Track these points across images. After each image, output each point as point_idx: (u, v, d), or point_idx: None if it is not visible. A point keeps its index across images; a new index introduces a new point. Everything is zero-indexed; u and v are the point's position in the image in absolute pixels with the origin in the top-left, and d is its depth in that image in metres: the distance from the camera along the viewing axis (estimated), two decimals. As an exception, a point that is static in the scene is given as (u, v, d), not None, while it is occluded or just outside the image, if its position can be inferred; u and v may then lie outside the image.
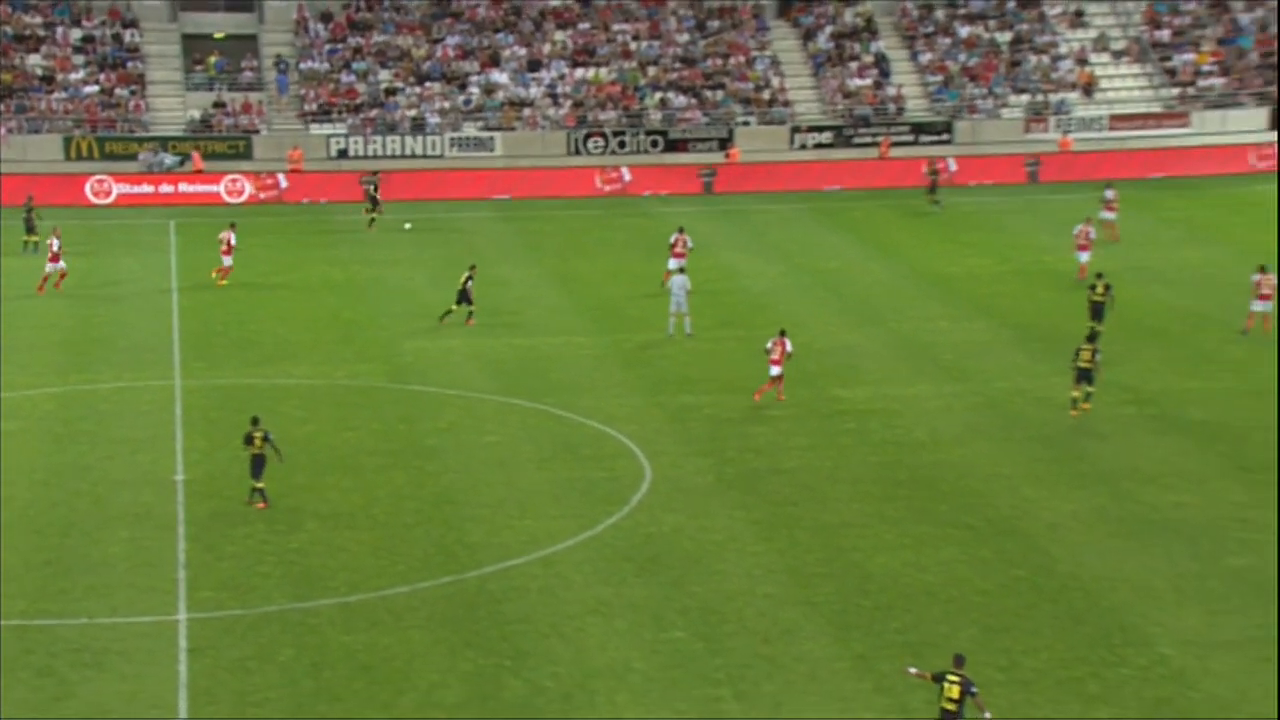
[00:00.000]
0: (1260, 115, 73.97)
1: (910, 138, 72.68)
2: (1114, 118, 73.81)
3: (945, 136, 72.96)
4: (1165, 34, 77.99)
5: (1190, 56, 76.55)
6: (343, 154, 70.29)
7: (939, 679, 22.78)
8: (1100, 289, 44.59)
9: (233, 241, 51.99)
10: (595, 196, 67.87)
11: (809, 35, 77.79)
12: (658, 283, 51.14)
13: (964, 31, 77.75)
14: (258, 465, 32.59)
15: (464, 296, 46.70)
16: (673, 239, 51.20)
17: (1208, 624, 27.27)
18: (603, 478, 34.58)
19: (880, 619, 27.71)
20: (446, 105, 72.39)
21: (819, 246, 57.42)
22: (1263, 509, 32.13)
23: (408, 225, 59.14)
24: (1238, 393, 39.53)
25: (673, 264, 49.26)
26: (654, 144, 71.81)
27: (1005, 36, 77.64)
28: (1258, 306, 44.56)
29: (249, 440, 32.65)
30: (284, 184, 67.07)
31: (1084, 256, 50.80)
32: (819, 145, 72.41)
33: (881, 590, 28.85)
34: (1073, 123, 73.43)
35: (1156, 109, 74.72)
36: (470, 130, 71.76)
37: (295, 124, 71.87)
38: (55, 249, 50.22)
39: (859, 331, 45.90)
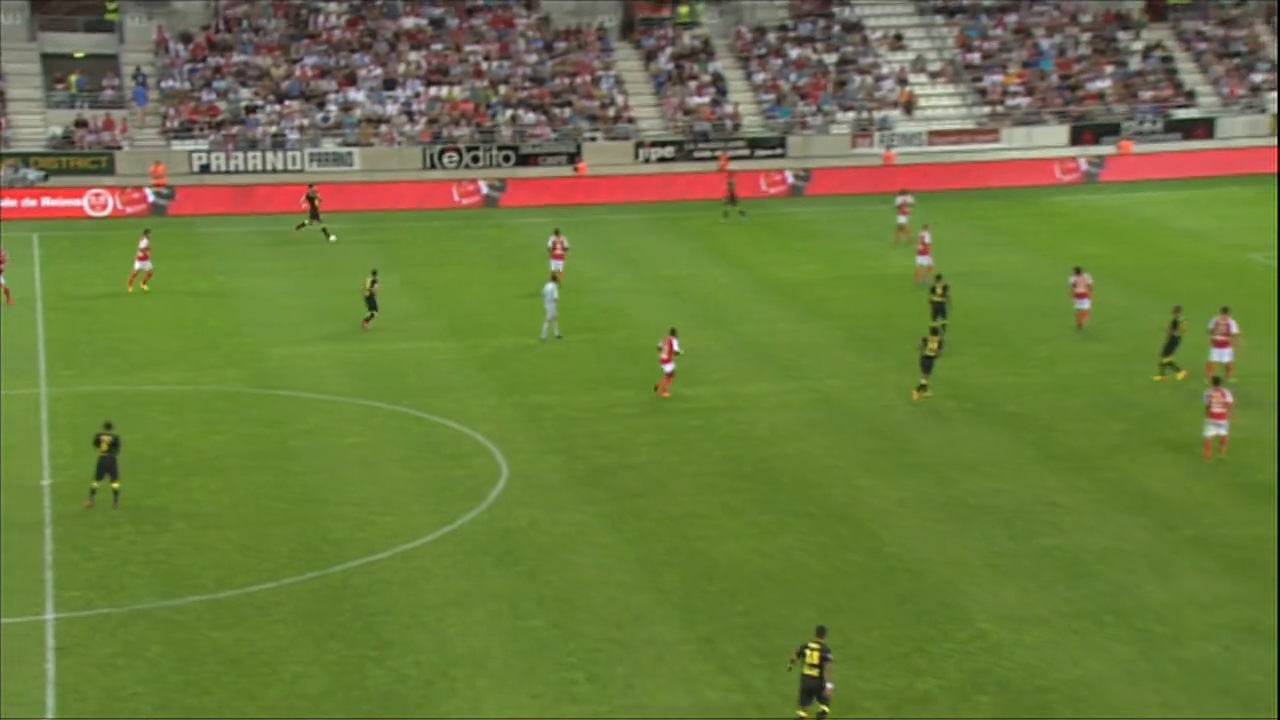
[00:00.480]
0: (1061, 131, 75.81)
1: (746, 152, 73.36)
2: (932, 133, 75.19)
3: (779, 151, 73.75)
4: (976, 57, 79.65)
5: (999, 78, 78.25)
6: (205, 169, 69.13)
7: (801, 652, 23.25)
8: (939, 290, 45.34)
9: (145, 246, 51.36)
10: (451, 209, 67.48)
11: (650, 56, 78.15)
12: (511, 290, 51.14)
13: (794, 53, 78.67)
14: (103, 466, 31.76)
15: (371, 302, 46.31)
16: (550, 242, 51.53)
17: (1021, 600, 27.87)
18: (461, 475, 34.39)
19: (725, 603, 27.90)
20: (305, 122, 71.46)
21: (663, 254, 57.70)
22: (1070, 493, 32.91)
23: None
24: (1046, 387, 40.45)
25: (554, 265, 49.84)
26: (506, 159, 71.62)
27: (832, 58, 78.70)
28: (1078, 304, 45.59)
29: (97, 441, 31.90)
30: (151, 197, 65.73)
31: (922, 260, 51.58)
32: (662, 159, 72.77)
33: (726, 576, 29.06)
34: (895, 138, 74.66)
35: (970, 125, 76.27)
36: (329, 146, 70.93)
37: (158, 140, 70.43)
38: None
39: (703, 334, 46.17)
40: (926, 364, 39.01)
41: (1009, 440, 36.38)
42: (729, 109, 75.28)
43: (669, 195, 69.55)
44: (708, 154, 72.80)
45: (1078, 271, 46.27)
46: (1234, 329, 39.64)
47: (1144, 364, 41.83)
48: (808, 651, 23.25)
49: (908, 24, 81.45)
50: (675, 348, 39.45)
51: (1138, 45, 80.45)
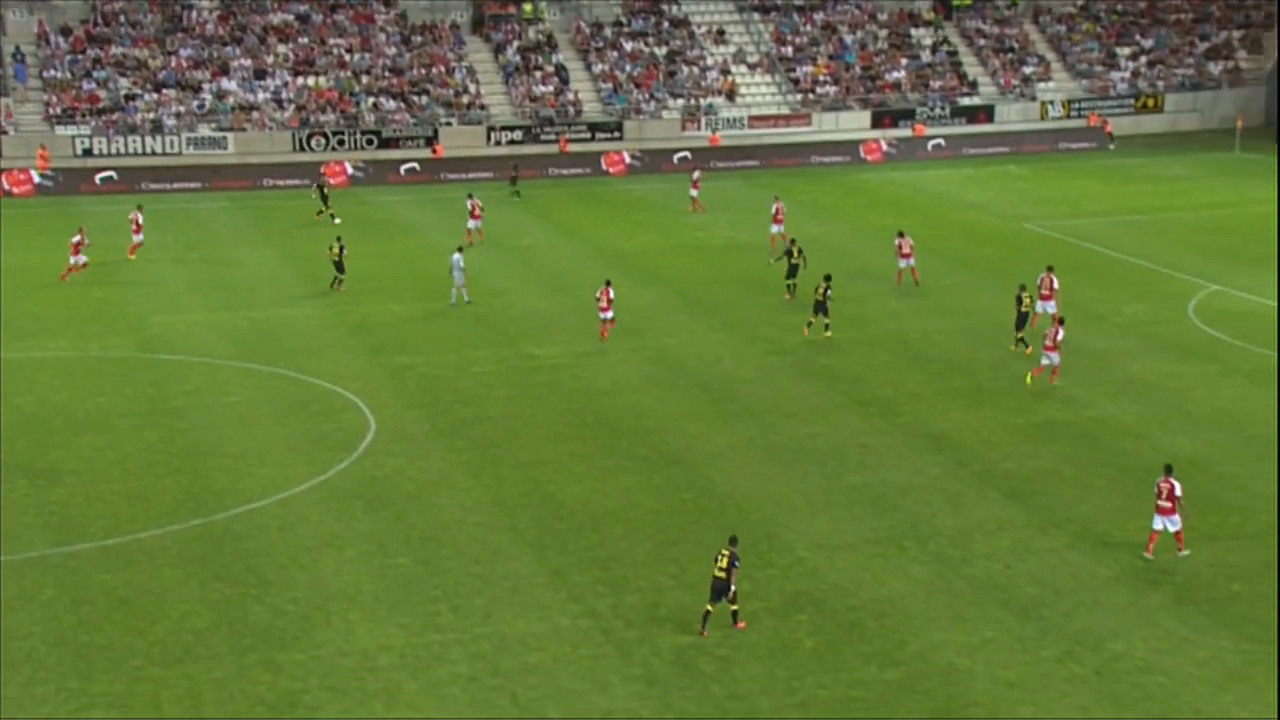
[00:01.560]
0: (864, 116, 76.79)
1: (588, 135, 73.12)
2: (752, 118, 75.65)
3: (617, 134, 73.62)
4: (789, 50, 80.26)
5: (809, 69, 78.97)
6: (87, 153, 66.80)
7: (717, 556, 24.09)
8: (796, 252, 45.42)
9: (139, 220, 50.91)
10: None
11: (499, 49, 77.34)
12: (377, 262, 50.37)
13: (629, 46, 78.48)
14: None
15: (339, 266, 45.98)
16: (469, 204, 52.11)
17: (834, 529, 28.31)
18: (333, 429, 33.81)
19: (572, 539, 27.88)
20: (182, 109, 69.40)
21: (515, 227, 57.22)
22: (876, 435, 33.45)
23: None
24: (855, 342, 41.02)
25: (471, 224, 51.32)
26: (369, 142, 70.43)
27: (662, 50, 78.67)
28: (902, 264, 46.34)
29: None
30: (37, 179, 63.37)
31: (775, 229, 51.70)
32: (511, 142, 72.19)
33: (573, 515, 29.03)
34: (720, 122, 74.96)
35: (785, 111, 76.88)
36: (205, 131, 68.99)
37: (41, 125, 67.81)
38: None
39: (549, 299, 45.98)
40: (820, 307, 40.65)
41: (823, 390, 36.85)
42: (571, 96, 74.90)
43: (521, 175, 69.03)
44: (552, 137, 72.48)
45: (901, 234, 47.03)
46: (1056, 284, 40.68)
47: (938, 321, 42.68)
48: (719, 557, 24.03)
49: (729, 20, 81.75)
50: (611, 295, 40.29)
51: (928, 41, 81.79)
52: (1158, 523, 26.73)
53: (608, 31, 79.28)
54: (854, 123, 76.58)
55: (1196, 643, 23.56)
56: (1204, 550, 26.94)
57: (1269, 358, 38.11)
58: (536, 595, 25.55)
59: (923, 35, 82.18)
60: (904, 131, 76.03)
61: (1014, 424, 34.01)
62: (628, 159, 70.91)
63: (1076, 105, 78.54)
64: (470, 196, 52.58)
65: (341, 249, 46.29)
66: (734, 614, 24.26)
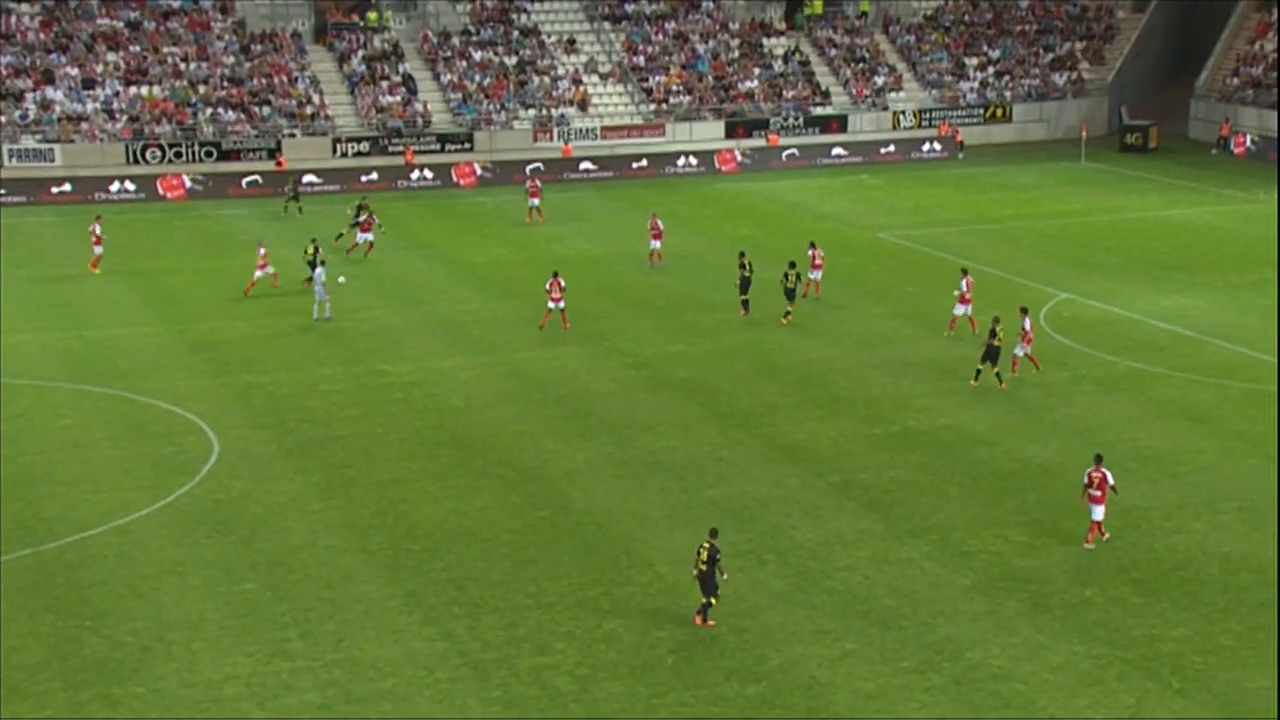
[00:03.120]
0: (718, 127, 77.63)
1: (438, 146, 72.69)
2: (605, 128, 75.94)
3: (467, 145, 73.29)
4: (641, 59, 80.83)
5: (662, 78, 79.61)
6: (-96, 164, 64.43)
7: (699, 550, 24.95)
8: (747, 265, 45.30)
9: (98, 232, 50.29)
10: (158, 202, 64.67)
11: (344, 58, 76.49)
12: (218, 278, 49.42)
13: (478, 56, 78.23)
14: None
15: (313, 265, 46.26)
16: (362, 218, 52.21)
17: (693, 544, 28.34)
18: (173, 452, 33.06)
19: (427, 560, 27.67)
20: (3, 120, 67.24)
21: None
22: (733, 448, 33.79)
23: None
24: (712, 354, 41.42)
25: (361, 238, 52.33)
26: (208, 154, 69.02)
27: (512, 60, 78.60)
28: (813, 275, 47.04)
29: None
30: None
31: (655, 244, 52.03)
32: (358, 153, 71.41)
33: (428, 535, 28.81)
34: (572, 133, 75.13)
35: (639, 121, 77.36)
36: (29, 143, 66.92)
37: None
38: None
39: (400, 314, 45.57)
40: (790, 294, 43.38)
41: (680, 402, 37.11)
42: (419, 107, 74.37)
43: (365, 187, 68.43)
44: (401, 149, 71.89)
45: (813, 245, 47.83)
46: (972, 284, 42.31)
47: (793, 331, 43.32)
48: (700, 551, 24.88)
49: (579, 30, 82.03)
50: (562, 285, 42.36)
51: (780, 50, 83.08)
52: (1096, 513, 27.95)
53: (456, 41, 78.97)
54: (708, 133, 77.37)
55: (1051, 649, 24.25)
56: (1057, 556, 27.76)
57: (1117, 365, 39.43)
58: (390, 619, 25.28)
59: (775, 45, 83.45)
60: (758, 141, 77.06)
61: (870, 434, 34.65)
62: (479, 170, 70.67)
63: (928, 115, 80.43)
64: (364, 197, 51.68)
65: (316, 249, 46.92)
66: (706, 609, 24.89)
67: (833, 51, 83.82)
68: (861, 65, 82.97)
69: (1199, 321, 43.83)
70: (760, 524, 29.39)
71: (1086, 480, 28.30)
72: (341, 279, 46.56)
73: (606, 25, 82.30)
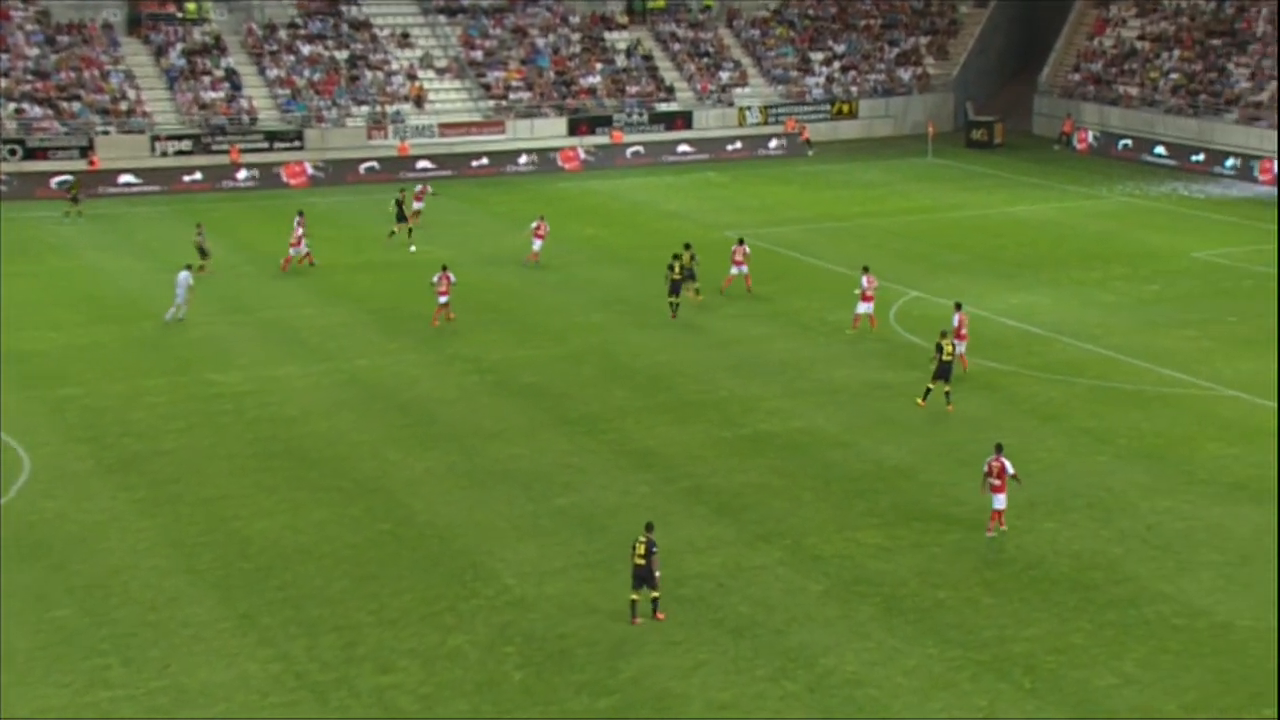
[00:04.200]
0: (560, 123, 77.70)
1: (265, 144, 71.43)
2: (443, 126, 75.46)
3: (297, 143, 72.19)
4: (479, 54, 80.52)
5: (501, 74, 79.42)
6: None
7: (634, 545, 25.59)
8: (686, 258, 45.90)
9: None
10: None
11: (160, 51, 74.70)
12: (24, 283, 47.90)
13: (306, 50, 77.11)
14: None
15: (203, 252, 48.68)
16: (296, 226, 51.83)
17: (541, 555, 28.49)
18: (-19, 472, 31.94)
19: (261, 579, 27.17)
20: None
21: (183, 244, 55.30)
22: (582, 455, 33.84)
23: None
24: (558, 358, 41.43)
25: (291, 252, 51.03)
26: (13, 152, 66.81)
27: (344, 54, 77.66)
28: (734, 270, 47.95)
29: None
30: None
31: (537, 244, 52.27)
32: (179, 152, 69.81)
33: (261, 553, 28.30)
34: (408, 130, 74.49)
35: (478, 118, 77.05)
36: None
37: None
38: None
39: (228, 320, 44.69)
40: (677, 285, 44.35)
41: (526, 409, 37.04)
42: (245, 103, 73.02)
43: (186, 188, 67.03)
44: (225, 147, 70.49)
45: (740, 242, 48.55)
46: (875, 283, 43.37)
47: (641, 333, 43.55)
48: (636, 544, 25.43)
49: (413, 23, 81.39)
50: (452, 280, 43.54)
51: (622, 45, 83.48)
52: (997, 502, 28.87)
53: (282, 34, 77.71)
54: (550, 130, 77.38)
55: (905, 652, 24.76)
56: (910, 558, 28.36)
57: (968, 363, 40.39)
58: (221, 641, 24.77)
59: (617, 39, 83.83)
60: (601, 139, 77.30)
61: (721, 437, 35.00)
62: (310, 170, 69.68)
63: (774, 111, 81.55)
64: (299, 214, 52.79)
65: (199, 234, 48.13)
66: (654, 602, 25.47)
67: (676, 46, 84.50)
68: (706, 60, 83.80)
69: (1046, 318, 45.18)
70: (610, 533, 29.48)
71: (986, 469, 29.26)
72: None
73: (442, 19, 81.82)
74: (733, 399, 37.69)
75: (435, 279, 43.62)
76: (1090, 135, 78.34)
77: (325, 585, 26.92)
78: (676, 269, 44.84)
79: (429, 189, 57.91)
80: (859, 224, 60.23)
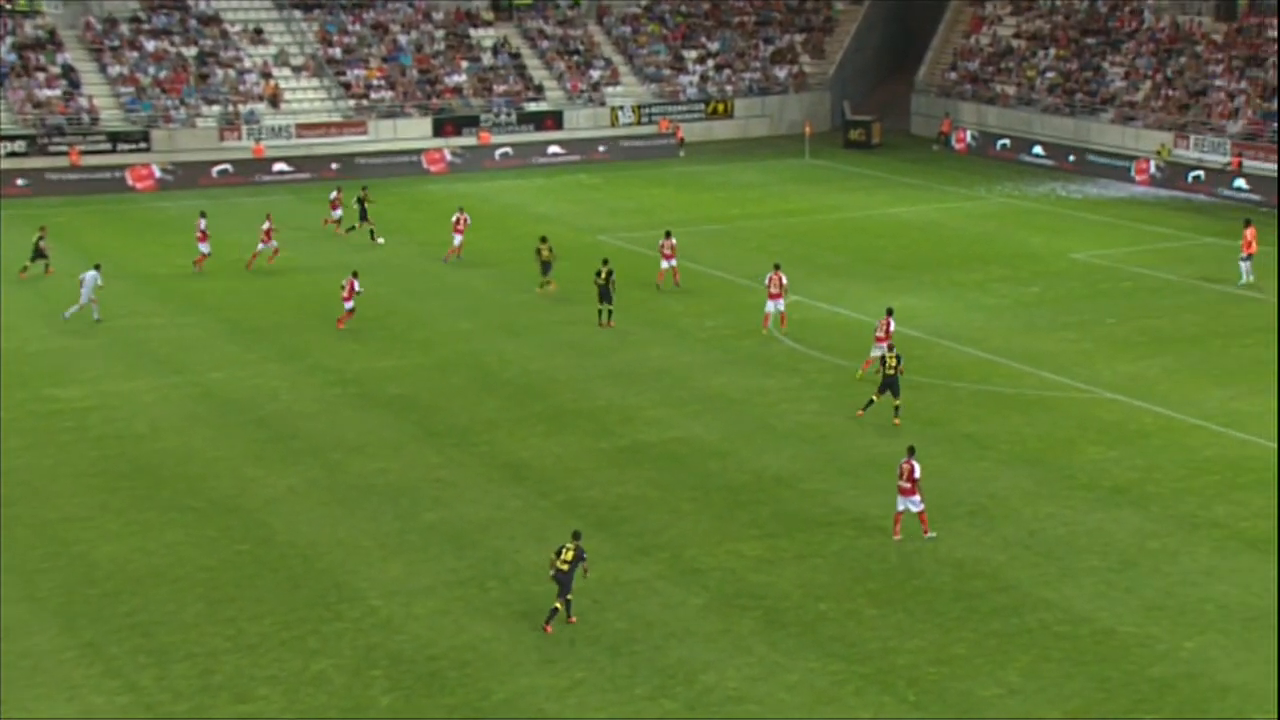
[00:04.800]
0: (425, 124, 77.28)
1: (108, 146, 70.02)
2: (300, 126, 74.61)
3: (143, 145, 70.85)
4: (337, 51, 79.77)
5: (361, 72, 78.76)
6: None
7: (559, 550, 26.08)
8: (545, 251, 48.37)
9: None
10: None
11: (-8, 46, 72.98)
12: None
13: (151, 46, 75.73)
14: None
15: (39, 254, 48.82)
16: (266, 226, 52.09)
17: (409, 573, 28.29)
18: None
19: (108, 605, 26.61)
20: None
21: (20, 251, 53.99)
22: (451, 468, 33.68)
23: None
24: (425, 368, 41.18)
25: (262, 247, 51.67)
26: None
27: (192, 51, 76.41)
28: (665, 265, 49.36)
29: None
30: None
31: (457, 239, 53.24)
32: (12, 154, 68.10)
33: (108, 578, 27.71)
34: (263, 131, 73.52)
35: (338, 119, 76.32)
36: None
37: None
38: None
39: (71, 334, 43.70)
40: (604, 294, 44.24)
41: (392, 421, 36.76)
42: (84, 102, 71.48)
43: (20, 192, 65.44)
44: (65, 148, 68.93)
45: (667, 235, 49.55)
46: (785, 281, 43.81)
47: (512, 341, 43.46)
48: (563, 551, 26.00)
49: (266, 18, 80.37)
50: (357, 288, 43.67)
51: (488, 42, 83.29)
52: (900, 504, 29.50)
53: (124, 28, 76.22)
54: (414, 130, 76.92)
55: (787, 667, 24.99)
56: (791, 570, 28.63)
57: (849, 369, 40.94)
58: (64, 673, 24.20)
59: (483, 36, 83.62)
60: (468, 140, 77.04)
61: (597, 448, 35.04)
62: (158, 173, 68.45)
63: (647, 110, 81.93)
64: (269, 217, 52.98)
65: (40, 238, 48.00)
66: (568, 605, 26.02)
67: (545, 43, 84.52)
68: (576, 58, 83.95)
69: (926, 322, 45.94)
70: (482, 548, 29.36)
71: (898, 472, 29.77)
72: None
73: (297, 14, 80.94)
74: (609, 408, 37.76)
75: (344, 283, 44.18)
76: (968, 135, 79.91)
77: (178, 610, 26.44)
78: (602, 276, 44.62)
79: (342, 194, 58.60)
80: (736, 226, 60.72)
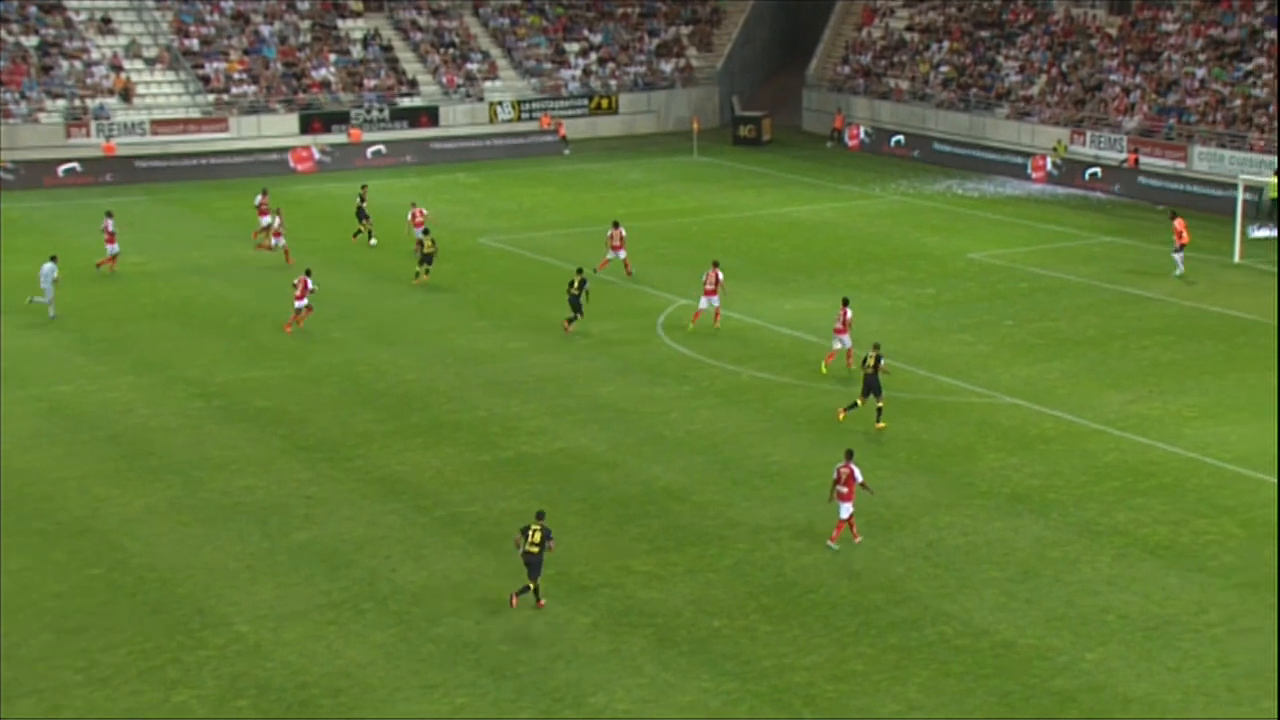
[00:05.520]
0: (291, 120, 76.58)
1: (-56, 143, 68.56)
2: (155, 122, 73.52)
3: (-18, 141, 69.49)
4: (194, 42, 78.73)
5: (221, 65, 77.82)
6: None
7: (525, 530, 27.11)
8: (428, 244, 49.92)
9: None
10: None
11: None
12: None
13: (-9, 35, 74.31)
14: None
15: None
16: (262, 207, 53.15)
17: (278, 596, 27.98)
18: None
19: (-50, 638, 25.98)
20: None
21: None
22: (322, 484, 33.39)
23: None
24: (294, 379, 40.77)
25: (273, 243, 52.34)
26: None
27: (33, 41, 74.94)
28: (611, 255, 50.77)
29: None
30: None
31: (418, 232, 53.40)
32: None
33: (-51, 608, 27.07)
34: (115, 127, 72.32)
35: (196, 114, 75.31)
36: None
37: None
38: None
39: (-96, 345, 42.67)
40: (574, 301, 44.40)
41: (259, 435, 36.36)
42: (-80, 95, 69.93)
43: None
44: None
45: (616, 225, 51.08)
46: (721, 278, 44.63)
47: (386, 350, 43.18)
48: (530, 533, 26.99)
49: (115, 7, 79.04)
50: (310, 286, 44.15)
51: (358, 34, 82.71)
52: (844, 511, 29.98)
53: (-39, 17, 74.63)
54: (279, 127, 76.18)
55: (679, 687, 25.08)
56: (683, 586, 28.75)
57: (740, 375, 41.22)
58: (-95, 713, 23.60)
59: (352, 28, 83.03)
60: (338, 137, 76.46)
61: (479, 461, 34.94)
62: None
63: (528, 106, 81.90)
64: (273, 208, 53.53)
65: None
66: (536, 590, 27.10)
67: (418, 36, 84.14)
68: (452, 51, 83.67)
69: (822, 326, 46.34)
70: (356, 568, 29.13)
71: (835, 476, 30.07)
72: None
73: (149, 3, 79.78)
74: (491, 419, 37.66)
75: (295, 281, 44.57)
76: (862, 131, 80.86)
77: (22, 642, 25.89)
78: (575, 286, 44.57)
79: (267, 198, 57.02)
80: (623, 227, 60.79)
